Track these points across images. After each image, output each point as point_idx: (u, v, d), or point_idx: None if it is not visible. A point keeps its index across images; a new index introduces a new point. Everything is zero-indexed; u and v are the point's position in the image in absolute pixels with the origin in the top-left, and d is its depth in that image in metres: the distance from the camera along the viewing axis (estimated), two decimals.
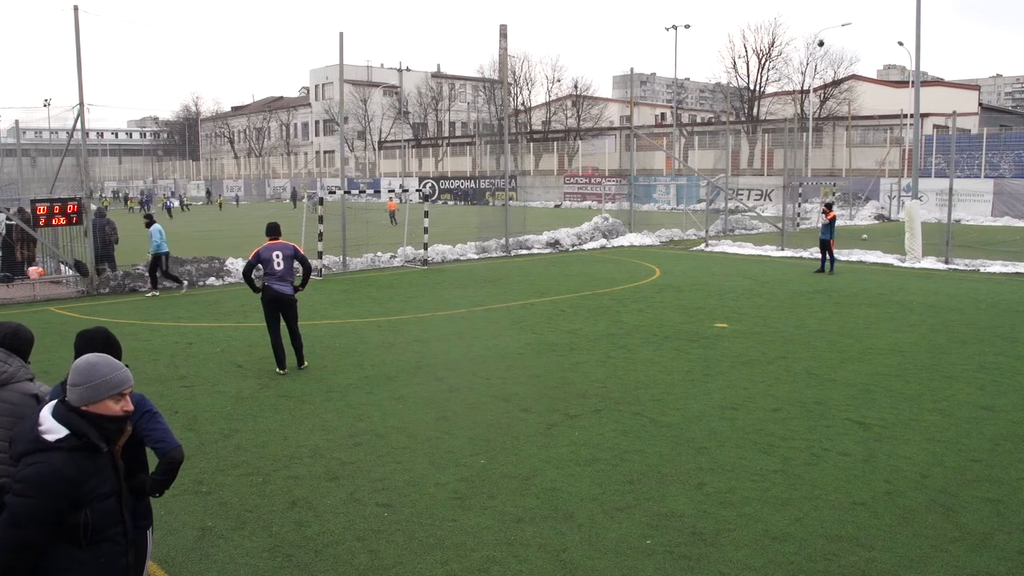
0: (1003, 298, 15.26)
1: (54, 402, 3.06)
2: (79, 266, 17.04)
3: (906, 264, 20.81)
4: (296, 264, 10.12)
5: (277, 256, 9.78)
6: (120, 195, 72.11)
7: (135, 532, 3.72)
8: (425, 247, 21.84)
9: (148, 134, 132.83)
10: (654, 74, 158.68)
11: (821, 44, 57.74)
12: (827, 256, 19.28)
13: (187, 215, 52.45)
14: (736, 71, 63.37)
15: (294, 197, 62.88)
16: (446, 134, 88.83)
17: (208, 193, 66.72)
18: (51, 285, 16.97)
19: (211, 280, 18.06)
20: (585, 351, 10.89)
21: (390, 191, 34.24)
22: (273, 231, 10.01)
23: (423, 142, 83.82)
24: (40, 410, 3.03)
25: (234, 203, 67.90)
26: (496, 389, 8.98)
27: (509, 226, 24.89)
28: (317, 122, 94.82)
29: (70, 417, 2.98)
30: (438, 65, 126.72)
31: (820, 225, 19.74)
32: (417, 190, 27.65)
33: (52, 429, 2.94)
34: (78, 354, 3.67)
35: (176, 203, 57.13)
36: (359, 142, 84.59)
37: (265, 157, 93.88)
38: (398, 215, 33.52)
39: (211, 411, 8.23)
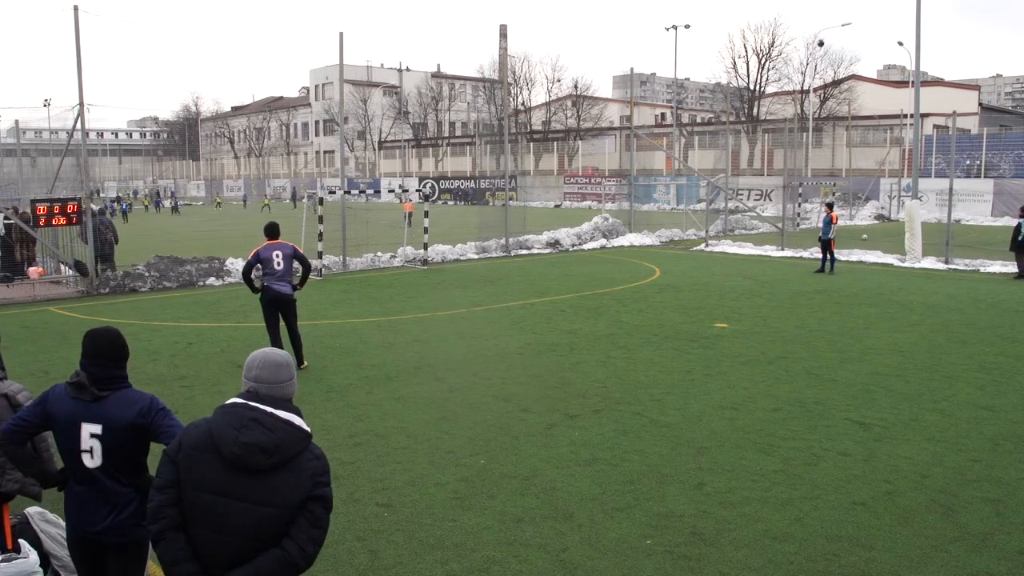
0: (1003, 298, 15.26)
1: (271, 404, 2.98)
2: (79, 266, 17.04)
3: (906, 264, 20.81)
4: (295, 264, 10.13)
5: (277, 256, 9.79)
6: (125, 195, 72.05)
7: (139, 532, 3.71)
8: (425, 247, 21.84)
9: (148, 134, 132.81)
10: (654, 74, 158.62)
11: (821, 44, 57.83)
12: (827, 256, 19.31)
13: (181, 217, 52.38)
14: (736, 71, 63.48)
15: (294, 197, 62.85)
16: (446, 134, 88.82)
17: (172, 195, 65.85)
18: (51, 285, 16.97)
19: (211, 280, 18.06)
20: (585, 351, 10.89)
21: (390, 191, 34.12)
22: (272, 231, 10.01)
23: (423, 142, 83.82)
24: (271, 411, 2.94)
25: (241, 203, 67.81)
26: (496, 389, 8.98)
27: (509, 226, 24.88)
28: (317, 122, 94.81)
29: (293, 407, 3.04)
30: (438, 65, 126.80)
31: (821, 225, 19.84)
32: (417, 190, 27.66)
33: (301, 421, 3.00)
34: (87, 354, 3.62)
35: (168, 203, 57.02)
36: (359, 142, 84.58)
37: (265, 157, 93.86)
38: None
39: (211, 411, 8.20)
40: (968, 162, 42.61)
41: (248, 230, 33.29)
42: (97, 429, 3.54)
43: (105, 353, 3.61)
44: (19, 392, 4.31)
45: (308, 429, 2.99)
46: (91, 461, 3.56)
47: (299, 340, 10.02)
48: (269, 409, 2.94)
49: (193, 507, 2.89)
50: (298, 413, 3.01)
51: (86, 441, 3.55)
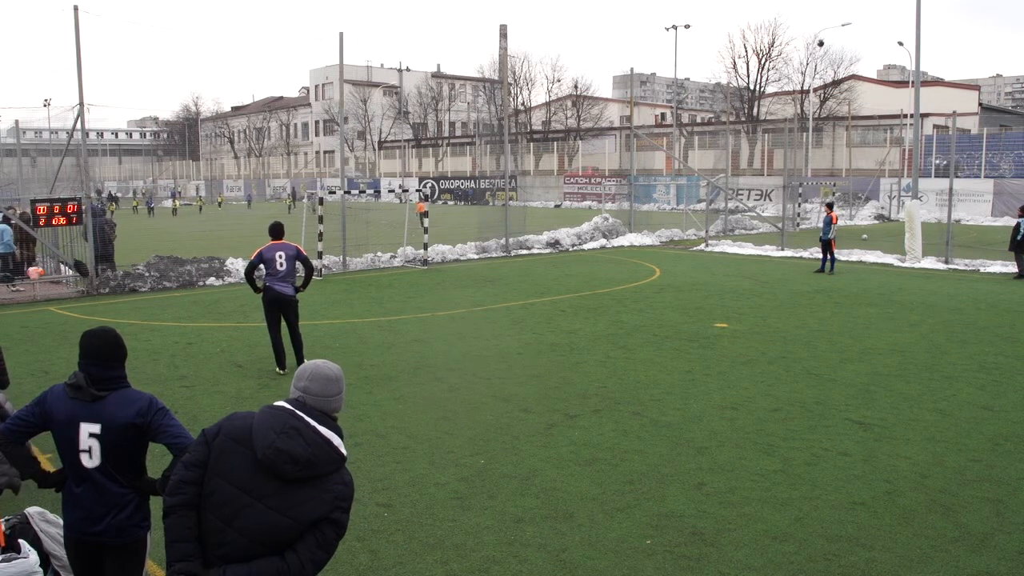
0: (1003, 298, 15.26)
1: (316, 417, 2.96)
2: (79, 266, 17.04)
3: (906, 264, 20.81)
4: (298, 265, 10.13)
5: (280, 256, 9.80)
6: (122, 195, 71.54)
7: (138, 533, 3.71)
8: (425, 247, 21.83)
9: (148, 134, 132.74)
10: (654, 74, 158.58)
11: (821, 44, 57.78)
12: (828, 256, 19.31)
13: (178, 218, 52.30)
14: (736, 71, 63.47)
15: (293, 197, 62.72)
16: (446, 134, 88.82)
17: (174, 195, 64.42)
18: (51, 285, 16.97)
19: (211, 280, 18.06)
20: (585, 351, 10.89)
21: (390, 191, 34.09)
22: (276, 231, 10.03)
23: (423, 142, 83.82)
24: (314, 426, 2.93)
25: (246, 203, 67.33)
26: (496, 389, 8.98)
27: (509, 226, 24.89)
28: (317, 122, 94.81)
29: (337, 426, 3.02)
30: (438, 65, 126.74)
31: (821, 225, 19.87)
32: (417, 190, 27.68)
33: (340, 443, 2.98)
34: (85, 354, 3.60)
35: (176, 203, 56.61)
36: (359, 142, 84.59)
37: (265, 157, 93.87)
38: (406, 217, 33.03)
39: (211, 411, 8.22)
40: (937, 161, 42.56)
41: (246, 231, 33.30)
42: (96, 429, 3.53)
43: (104, 353, 3.60)
44: None
45: (344, 452, 2.99)
46: (90, 461, 3.56)
47: (300, 340, 10.02)
48: (312, 423, 2.94)
49: (212, 494, 2.90)
50: (340, 434, 3.01)
51: (84, 441, 3.54)
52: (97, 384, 3.56)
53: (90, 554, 3.68)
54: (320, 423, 2.95)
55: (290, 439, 2.87)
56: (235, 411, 3.12)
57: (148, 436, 3.60)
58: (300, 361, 9.96)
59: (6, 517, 4.91)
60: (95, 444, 3.54)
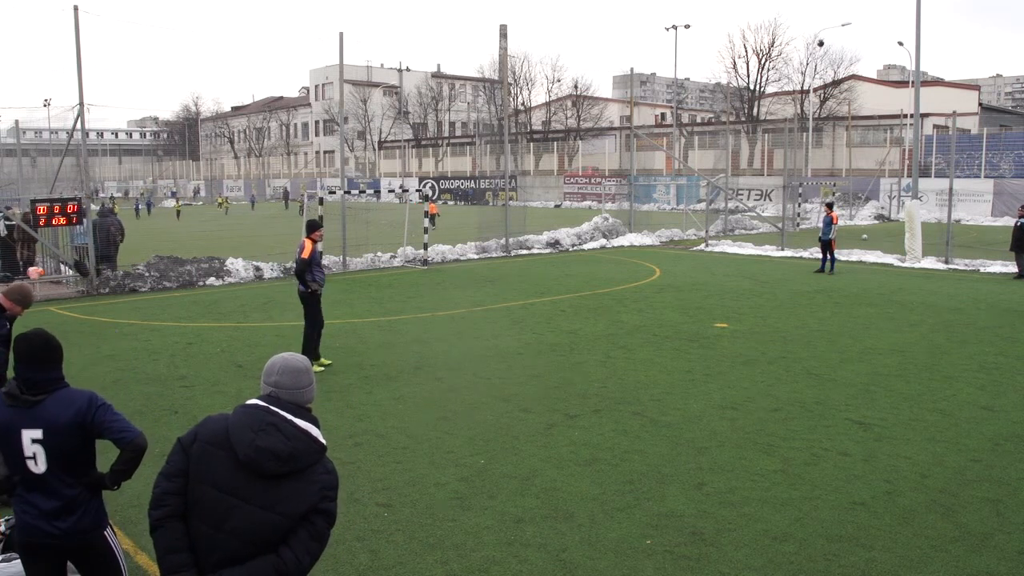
0: (1003, 298, 15.26)
1: (291, 411, 2.97)
2: (79, 266, 17.04)
3: (906, 264, 20.81)
4: None
5: (297, 252, 10.26)
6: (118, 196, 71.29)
7: (97, 532, 3.65)
8: (425, 247, 21.84)
9: (148, 134, 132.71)
10: (654, 74, 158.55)
11: (821, 44, 57.80)
12: (828, 256, 19.31)
13: (179, 220, 52.20)
14: (736, 71, 63.51)
15: (286, 197, 62.43)
16: (446, 134, 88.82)
17: (174, 195, 62.89)
18: (51, 285, 16.97)
19: (211, 280, 18.06)
20: (585, 351, 10.89)
21: (390, 191, 34.04)
22: (307, 228, 10.28)
23: (423, 142, 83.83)
24: (291, 419, 2.93)
25: (249, 204, 66.93)
26: (496, 389, 8.98)
27: (509, 226, 24.89)
28: (317, 122, 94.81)
29: (312, 416, 3.04)
30: (438, 65, 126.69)
31: (821, 225, 19.89)
32: (417, 190, 27.66)
33: (318, 433, 2.99)
34: (20, 359, 3.54)
35: (175, 204, 56.34)
36: (359, 142, 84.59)
37: (265, 157, 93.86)
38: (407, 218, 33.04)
39: (211, 411, 8.17)
40: (937, 162, 42.53)
41: (247, 231, 33.27)
42: (38, 434, 3.48)
43: (38, 356, 3.55)
44: None
45: (324, 442, 2.99)
46: (36, 467, 3.51)
47: (305, 339, 10.02)
48: (289, 416, 2.94)
49: (198, 501, 2.88)
50: (316, 423, 3.00)
51: (28, 447, 3.49)
52: (33, 388, 3.52)
53: (45, 557, 3.62)
54: (296, 416, 2.95)
55: (269, 436, 2.86)
56: (208, 415, 3.13)
57: (93, 434, 3.55)
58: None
59: (6, 517, 4.91)
60: (39, 449, 3.49)
